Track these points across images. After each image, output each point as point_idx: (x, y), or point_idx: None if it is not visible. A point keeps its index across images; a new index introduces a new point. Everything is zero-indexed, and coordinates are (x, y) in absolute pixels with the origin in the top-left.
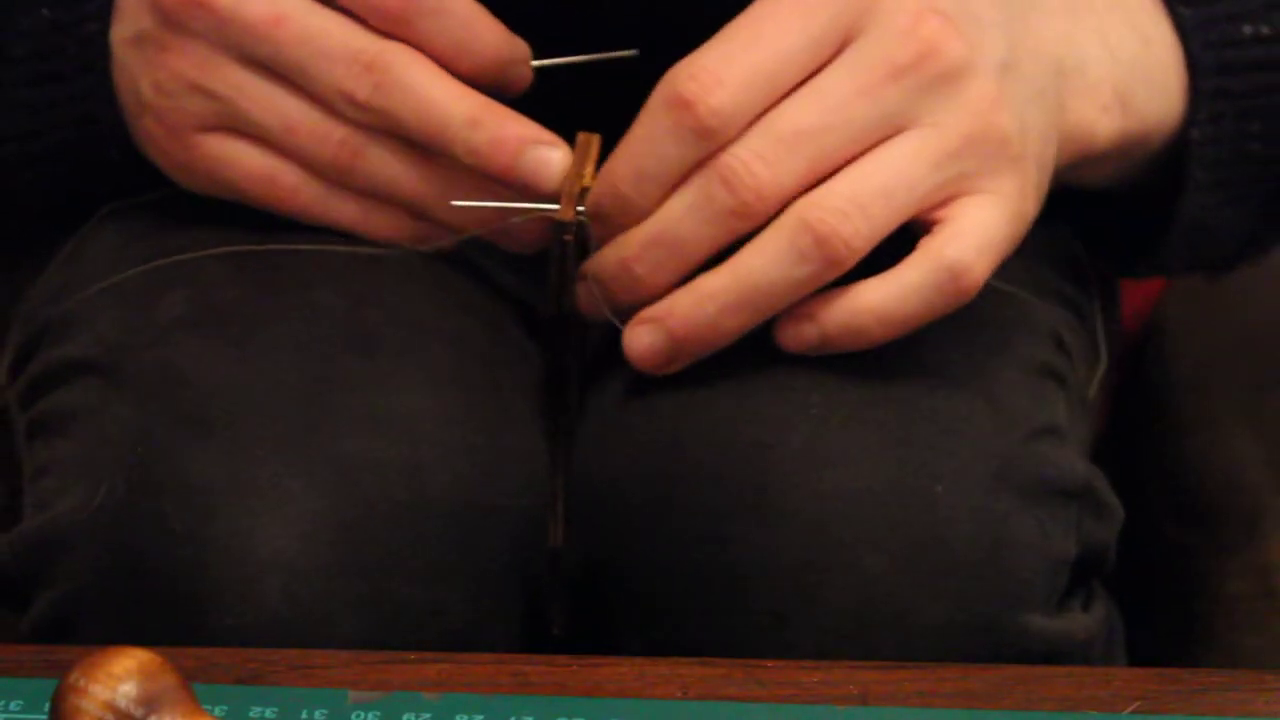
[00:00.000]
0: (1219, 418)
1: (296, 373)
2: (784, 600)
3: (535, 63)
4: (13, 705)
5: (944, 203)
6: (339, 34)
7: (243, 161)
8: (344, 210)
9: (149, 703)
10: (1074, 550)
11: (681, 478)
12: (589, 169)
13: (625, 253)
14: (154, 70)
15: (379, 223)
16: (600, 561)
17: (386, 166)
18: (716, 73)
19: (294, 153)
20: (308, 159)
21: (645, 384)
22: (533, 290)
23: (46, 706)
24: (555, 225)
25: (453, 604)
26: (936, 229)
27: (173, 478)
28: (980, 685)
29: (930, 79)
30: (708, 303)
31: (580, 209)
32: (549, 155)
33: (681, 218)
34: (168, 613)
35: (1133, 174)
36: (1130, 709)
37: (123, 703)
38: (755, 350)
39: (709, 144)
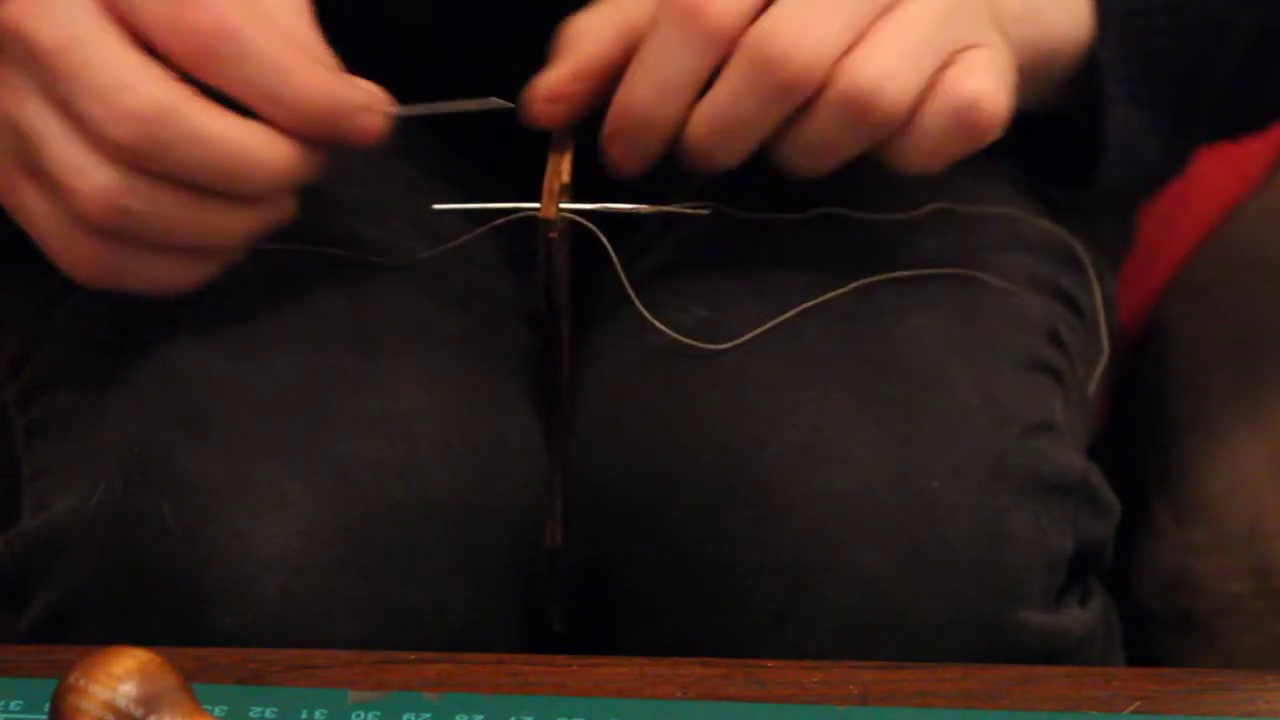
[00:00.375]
0: (1219, 418)
1: (295, 373)
2: (783, 598)
3: (394, 110)
4: (13, 705)
5: (950, 58)
6: (110, 69)
7: (38, 214)
8: (137, 280)
9: (149, 703)
10: (1071, 546)
11: (679, 476)
12: (566, 165)
13: (696, 139)
14: None
15: (164, 277)
16: (599, 560)
17: (158, 210)
18: None
19: (62, 198)
20: (72, 206)
21: (642, 382)
22: (531, 288)
23: (46, 706)
24: (540, 224)
25: (452, 603)
26: (949, 69)
27: (171, 478)
28: (980, 685)
29: None
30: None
31: (563, 205)
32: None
33: (736, 102)
34: (166, 612)
35: (1048, 96)
36: (1130, 709)
37: (123, 703)
38: (750, 348)
39: (723, 46)
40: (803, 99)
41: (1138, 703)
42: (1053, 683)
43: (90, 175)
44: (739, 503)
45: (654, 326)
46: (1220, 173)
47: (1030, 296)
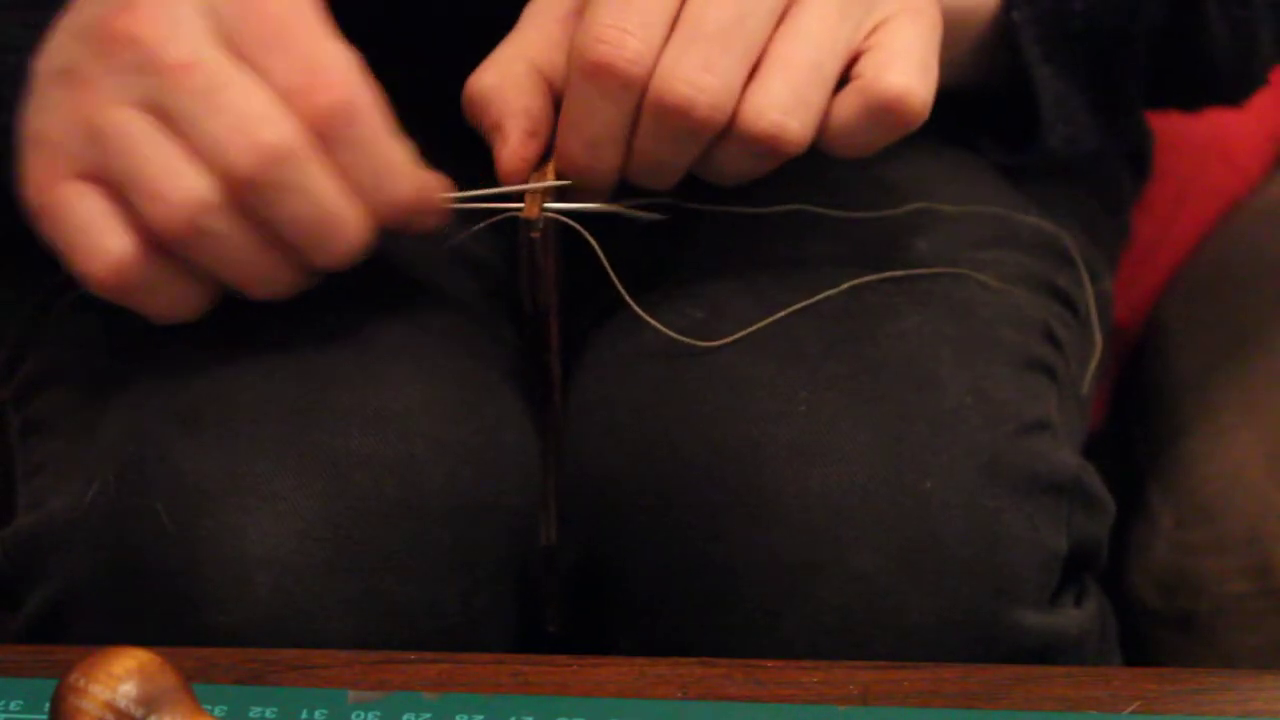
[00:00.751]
0: (1219, 417)
1: (289, 370)
2: (777, 598)
3: (447, 196)
4: (13, 705)
5: (866, 40)
6: (246, 99)
7: (79, 210)
8: (154, 299)
9: (149, 703)
10: (1065, 545)
11: (673, 476)
12: (550, 166)
13: (630, 179)
14: (67, 104)
15: (177, 305)
16: (594, 559)
17: (230, 242)
18: (618, 24)
19: (142, 199)
20: (152, 209)
21: (636, 382)
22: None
23: (46, 706)
24: (523, 223)
25: (446, 601)
26: (865, 59)
27: (165, 475)
28: (980, 685)
29: None
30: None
31: (546, 205)
32: None
33: (655, 148)
34: (160, 610)
35: (967, 62)
36: (1130, 709)
37: (123, 703)
38: (743, 348)
39: (638, 90)
40: (713, 135)
41: (1138, 703)
42: (1052, 683)
43: (184, 184)
44: (733, 502)
45: (648, 326)
46: (1220, 172)
47: (1024, 294)
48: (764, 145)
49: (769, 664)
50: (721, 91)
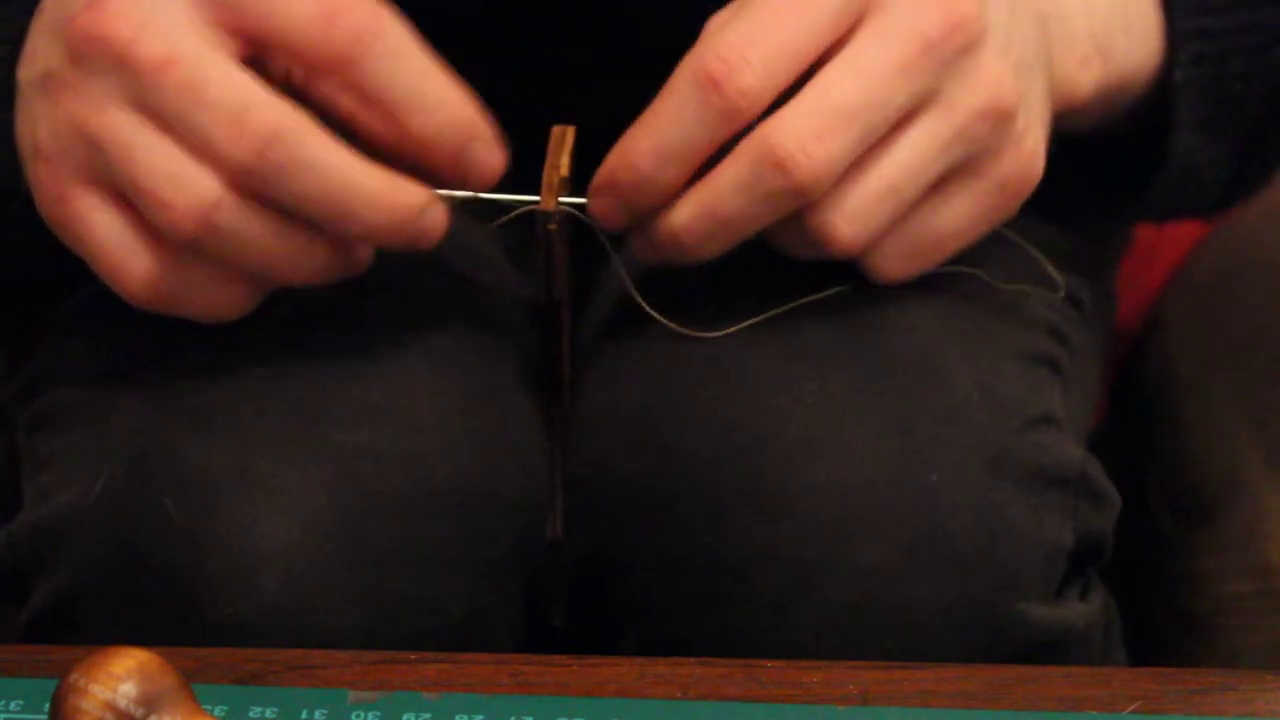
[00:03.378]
0: (1219, 417)
1: (296, 365)
2: (783, 592)
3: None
4: (13, 705)
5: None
6: (229, 87)
7: (99, 227)
8: (194, 303)
9: (149, 703)
10: (1070, 538)
11: (679, 470)
12: (565, 159)
13: (674, 225)
14: (53, 111)
15: (219, 303)
16: (599, 554)
17: (248, 233)
18: (743, 51)
19: (150, 209)
20: (161, 218)
21: (642, 375)
22: (531, 279)
23: (46, 706)
24: (538, 216)
25: (452, 595)
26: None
27: (172, 469)
28: (980, 685)
29: (955, 51)
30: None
31: (562, 199)
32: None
33: (732, 196)
34: (166, 604)
35: (1115, 120)
36: (1130, 709)
37: (123, 703)
38: (750, 342)
39: (735, 124)
40: (799, 205)
41: (1138, 703)
42: (1053, 683)
43: (188, 188)
44: (739, 496)
45: (653, 321)
46: None
47: (1029, 290)
48: (817, 247)
49: (769, 664)
50: (827, 165)
